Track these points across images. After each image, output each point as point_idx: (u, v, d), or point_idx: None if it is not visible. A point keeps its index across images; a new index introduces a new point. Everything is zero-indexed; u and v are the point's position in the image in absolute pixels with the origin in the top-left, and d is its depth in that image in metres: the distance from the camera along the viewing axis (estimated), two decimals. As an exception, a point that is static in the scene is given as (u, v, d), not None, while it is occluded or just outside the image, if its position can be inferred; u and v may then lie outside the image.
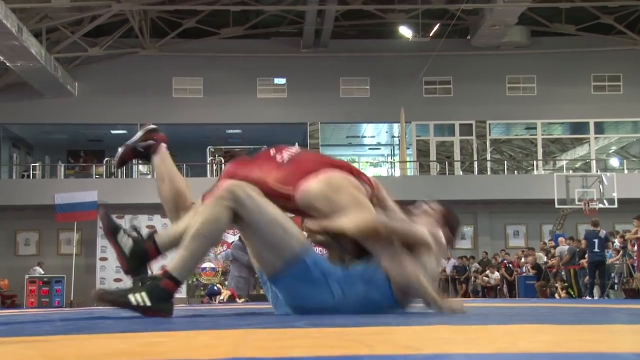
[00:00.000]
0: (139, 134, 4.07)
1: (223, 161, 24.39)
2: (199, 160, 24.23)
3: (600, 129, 26.11)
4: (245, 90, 24.69)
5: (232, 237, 21.76)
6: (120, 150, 4.04)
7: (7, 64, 20.73)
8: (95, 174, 24.57)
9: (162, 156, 3.98)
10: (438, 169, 25.26)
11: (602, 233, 16.04)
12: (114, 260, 22.12)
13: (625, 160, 26.73)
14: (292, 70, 24.97)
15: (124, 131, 25.73)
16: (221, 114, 24.58)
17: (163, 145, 4.06)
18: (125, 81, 24.32)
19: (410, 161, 25.30)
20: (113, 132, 26.10)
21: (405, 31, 24.58)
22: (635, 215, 15.78)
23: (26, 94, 23.36)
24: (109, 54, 24.35)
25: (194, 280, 21.74)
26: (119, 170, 24.13)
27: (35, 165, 24.83)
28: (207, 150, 24.16)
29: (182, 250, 3.26)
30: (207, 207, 3.32)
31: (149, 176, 24.16)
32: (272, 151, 3.66)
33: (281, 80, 25.25)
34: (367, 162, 30.58)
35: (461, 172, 25.14)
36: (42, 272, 21.27)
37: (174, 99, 24.61)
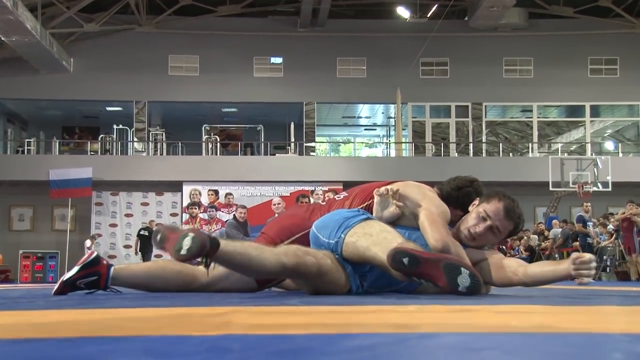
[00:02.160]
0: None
1: (218, 140, 24.36)
2: (195, 139, 24.17)
3: (596, 112, 26.11)
4: (241, 69, 24.59)
5: (226, 215, 21.81)
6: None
7: (2, 39, 20.58)
8: (90, 151, 24.50)
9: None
10: (433, 151, 25.26)
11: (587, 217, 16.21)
12: (108, 236, 22.16)
13: (620, 144, 26.74)
14: (288, 49, 24.86)
15: (120, 108, 25.67)
16: (217, 93, 24.50)
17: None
18: (121, 58, 24.18)
19: (405, 142, 25.29)
20: (108, 108, 26.00)
21: (403, 12, 24.46)
22: (629, 199, 15.86)
23: (21, 69, 23.21)
24: (105, 30, 24.19)
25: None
26: (114, 146, 24.10)
27: (30, 141, 24.74)
28: (203, 128, 24.10)
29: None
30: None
31: (144, 153, 24.12)
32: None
33: (278, 60, 25.14)
34: (362, 142, 30.55)
35: (456, 154, 25.14)
36: (88, 246, 20.89)
37: (170, 76, 24.50)
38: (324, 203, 3.88)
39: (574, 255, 3.14)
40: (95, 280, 3.48)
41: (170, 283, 3.63)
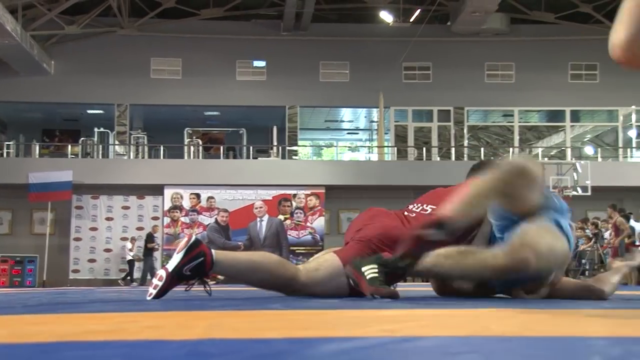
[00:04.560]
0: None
1: (201, 143, 24.28)
2: (177, 142, 24.08)
3: (576, 117, 26.32)
4: (224, 72, 24.55)
5: (208, 219, 21.75)
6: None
7: (-18, 41, 20.42)
8: (70, 154, 24.32)
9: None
10: (415, 155, 25.34)
11: None
12: (88, 240, 22.00)
13: (599, 149, 26.97)
14: (271, 53, 24.85)
15: (101, 111, 25.52)
16: (200, 96, 24.44)
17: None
18: (102, 60, 24.06)
19: (388, 146, 25.35)
20: (89, 111, 25.85)
21: (386, 16, 24.54)
22: (610, 204, 16.00)
23: (1, 72, 23.01)
24: (87, 32, 24.05)
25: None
26: (95, 150, 23.95)
27: (9, 144, 24.52)
28: (185, 132, 24.03)
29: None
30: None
31: (126, 157, 24.00)
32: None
33: (261, 63, 25.13)
34: (345, 146, 30.59)
35: (438, 158, 25.23)
36: (131, 249, 21.01)
37: (152, 79, 24.41)
38: (412, 215, 3.74)
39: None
40: (201, 262, 3.22)
41: (274, 274, 3.43)
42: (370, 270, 3.15)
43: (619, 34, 1.77)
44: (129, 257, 20.93)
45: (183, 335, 1.47)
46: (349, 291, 3.39)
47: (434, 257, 3.14)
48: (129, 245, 20.86)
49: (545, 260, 3.12)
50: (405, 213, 3.76)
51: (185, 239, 3.28)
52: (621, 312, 2.36)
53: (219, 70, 24.49)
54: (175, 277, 3.20)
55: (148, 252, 20.42)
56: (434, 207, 3.66)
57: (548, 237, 3.19)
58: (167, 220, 22.03)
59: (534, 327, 1.75)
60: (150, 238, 20.57)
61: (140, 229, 21.73)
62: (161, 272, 3.23)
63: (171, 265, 3.20)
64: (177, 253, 3.23)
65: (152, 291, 3.20)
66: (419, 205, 3.80)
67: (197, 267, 3.21)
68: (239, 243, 20.46)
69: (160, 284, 3.18)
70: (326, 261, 3.53)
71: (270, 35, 24.95)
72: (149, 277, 19.55)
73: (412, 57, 24.04)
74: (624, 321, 1.97)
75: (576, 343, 1.34)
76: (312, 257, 3.82)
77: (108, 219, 22.11)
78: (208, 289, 3.40)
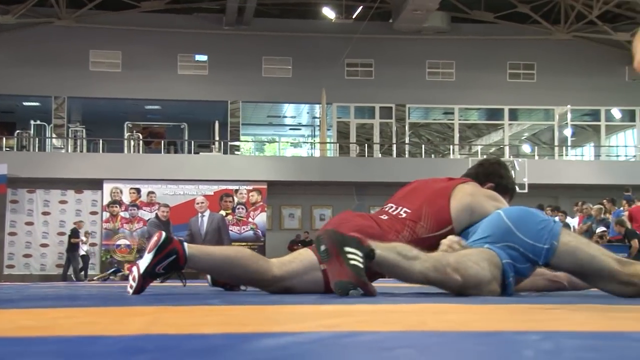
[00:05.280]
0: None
1: (141, 137, 23.95)
2: (116, 136, 23.70)
3: (514, 115, 26.85)
4: (165, 66, 24.26)
5: (148, 214, 21.47)
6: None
7: None
8: (5, 147, 23.67)
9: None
10: (357, 151, 25.49)
11: None
12: (24, 235, 21.49)
13: (536, 147, 27.59)
14: (213, 47, 24.66)
15: (37, 103, 24.93)
16: (140, 90, 24.09)
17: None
18: (39, 52, 23.48)
19: (330, 142, 25.45)
20: (25, 103, 25.24)
21: (329, 12, 24.60)
22: (547, 205, 16.36)
23: None
24: (22, 22, 23.43)
25: (109, 257, 21.35)
26: (31, 143, 23.41)
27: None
28: (125, 125, 23.66)
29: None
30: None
31: (63, 150, 23.51)
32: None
33: (202, 57, 24.91)
34: (287, 142, 30.58)
35: (380, 155, 25.44)
36: (85, 242, 20.47)
37: (91, 72, 23.94)
38: (385, 217, 3.66)
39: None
40: (174, 260, 3.22)
41: (249, 269, 3.37)
42: (354, 256, 2.87)
43: None
44: (82, 252, 20.56)
45: (119, 331, 1.46)
46: (324, 287, 3.33)
47: (386, 250, 3.07)
48: (83, 239, 20.48)
49: (470, 286, 3.18)
50: (380, 216, 3.70)
51: (155, 238, 3.27)
52: (555, 307, 2.42)
53: (160, 64, 24.18)
54: (148, 277, 3.23)
55: (72, 247, 20.01)
56: (408, 210, 3.65)
57: (481, 263, 3.25)
58: (106, 215, 21.67)
59: (470, 322, 1.78)
60: (74, 233, 20.22)
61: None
62: (134, 272, 3.25)
63: (142, 265, 3.21)
64: (148, 253, 3.23)
65: (130, 290, 3.24)
66: (394, 207, 3.75)
67: (170, 265, 3.22)
68: (180, 238, 20.27)
69: (134, 284, 3.22)
70: (301, 254, 3.52)
71: (212, 29, 24.75)
72: (71, 273, 19.64)
73: (354, 53, 24.16)
74: (557, 316, 2.02)
75: (509, 338, 1.37)
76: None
77: (45, 213, 21.63)
78: (184, 281, 3.46)
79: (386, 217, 3.66)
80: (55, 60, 23.48)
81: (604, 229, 13.80)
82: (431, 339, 1.32)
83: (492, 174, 3.96)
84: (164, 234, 3.30)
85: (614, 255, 3.35)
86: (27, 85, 23.36)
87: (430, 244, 3.43)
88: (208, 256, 3.42)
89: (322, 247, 2.93)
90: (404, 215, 3.65)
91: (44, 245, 21.54)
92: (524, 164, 21.34)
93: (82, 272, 20.28)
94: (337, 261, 2.87)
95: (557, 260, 3.34)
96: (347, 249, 2.87)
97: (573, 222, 15.86)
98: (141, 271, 3.20)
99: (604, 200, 15.40)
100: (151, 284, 3.31)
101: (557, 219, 13.64)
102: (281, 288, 3.41)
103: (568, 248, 3.31)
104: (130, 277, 3.29)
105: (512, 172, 20.50)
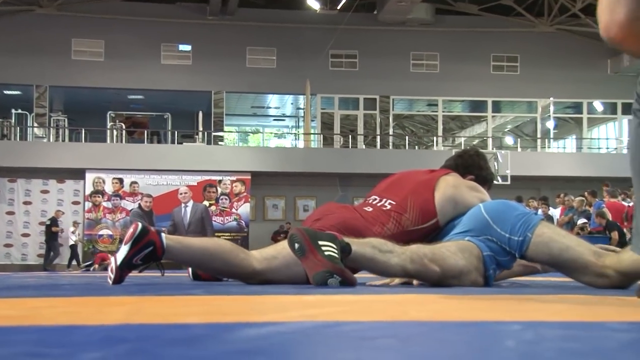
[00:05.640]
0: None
1: (124, 127, 23.81)
2: (99, 126, 23.54)
3: (497, 107, 26.95)
4: (148, 55, 24.11)
5: (131, 204, 21.38)
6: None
7: None
8: (-14, 136, 23.50)
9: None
10: (341, 142, 25.51)
11: None
12: (5, 224, 21.36)
13: (519, 139, 27.72)
14: (197, 37, 24.53)
15: (18, 92, 24.71)
16: (123, 79, 23.93)
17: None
18: (20, 40, 23.25)
19: (314, 133, 25.43)
20: (6, 92, 25.00)
21: (313, 3, 24.54)
22: (529, 197, 16.43)
23: None
24: (3, 10, 23.17)
25: (91, 247, 21.25)
26: (12, 132, 23.22)
27: None
28: (108, 115, 23.51)
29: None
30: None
31: (45, 139, 23.34)
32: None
33: (186, 47, 24.78)
34: (271, 133, 30.53)
35: (364, 146, 25.46)
36: (73, 232, 20.57)
37: (74, 61, 23.75)
38: (370, 209, 3.64)
39: None
40: (151, 251, 3.20)
41: (228, 262, 3.36)
42: (328, 247, 2.91)
43: (617, 12, 1.66)
44: (71, 242, 20.52)
45: (100, 320, 1.45)
46: (306, 282, 3.31)
47: (361, 245, 3.08)
48: (72, 229, 20.49)
49: (450, 276, 3.21)
50: (365, 208, 3.68)
51: (131, 230, 3.25)
52: (536, 297, 2.44)
53: (143, 54, 24.03)
54: (125, 269, 3.22)
55: (52, 236, 20.19)
56: (393, 202, 3.64)
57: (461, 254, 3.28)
58: (88, 205, 21.55)
59: (451, 312, 1.79)
60: (54, 222, 20.30)
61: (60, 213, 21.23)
62: (112, 263, 3.24)
63: (119, 257, 3.20)
64: (124, 245, 3.22)
65: (109, 280, 3.25)
66: (378, 198, 3.74)
67: (148, 256, 3.21)
68: (163, 229, 20.22)
69: (112, 275, 3.22)
70: (284, 248, 3.50)
71: (196, 19, 24.61)
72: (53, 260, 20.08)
73: (339, 44, 24.12)
74: (538, 306, 2.04)
75: (490, 327, 1.38)
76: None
77: (26, 203, 21.48)
78: (162, 271, 3.47)
79: (370, 209, 3.64)
80: (37, 48, 23.27)
81: (585, 220, 13.91)
82: (413, 329, 1.32)
83: (472, 166, 3.99)
84: (140, 225, 3.27)
85: (592, 247, 3.35)
86: (8, 73, 23.13)
87: (415, 237, 3.44)
88: (187, 248, 3.40)
89: (297, 245, 2.95)
90: (388, 207, 3.64)
91: (25, 235, 21.40)
92: (506, 156, 21.43)
93: (75, 261, 20.36)
94: (312, 254, 2.89)
95: (531, 252, 3.37)
96: (321, 242, 2.91)
97: (555, 212, 15.96)
98: (118, 263, 3.19)
99: (585, 192, 15.48)
100: (129, 274, 3.30)
101: (540, 211, 13.49)
102: (262, 281, 3.41)
103: (542, 239, 3.33)
104: (109, 268, 3.29)
105: (495, 163, 20.69)
